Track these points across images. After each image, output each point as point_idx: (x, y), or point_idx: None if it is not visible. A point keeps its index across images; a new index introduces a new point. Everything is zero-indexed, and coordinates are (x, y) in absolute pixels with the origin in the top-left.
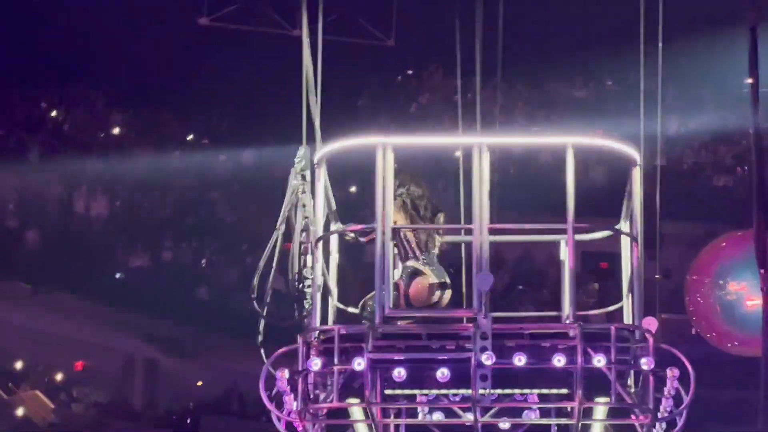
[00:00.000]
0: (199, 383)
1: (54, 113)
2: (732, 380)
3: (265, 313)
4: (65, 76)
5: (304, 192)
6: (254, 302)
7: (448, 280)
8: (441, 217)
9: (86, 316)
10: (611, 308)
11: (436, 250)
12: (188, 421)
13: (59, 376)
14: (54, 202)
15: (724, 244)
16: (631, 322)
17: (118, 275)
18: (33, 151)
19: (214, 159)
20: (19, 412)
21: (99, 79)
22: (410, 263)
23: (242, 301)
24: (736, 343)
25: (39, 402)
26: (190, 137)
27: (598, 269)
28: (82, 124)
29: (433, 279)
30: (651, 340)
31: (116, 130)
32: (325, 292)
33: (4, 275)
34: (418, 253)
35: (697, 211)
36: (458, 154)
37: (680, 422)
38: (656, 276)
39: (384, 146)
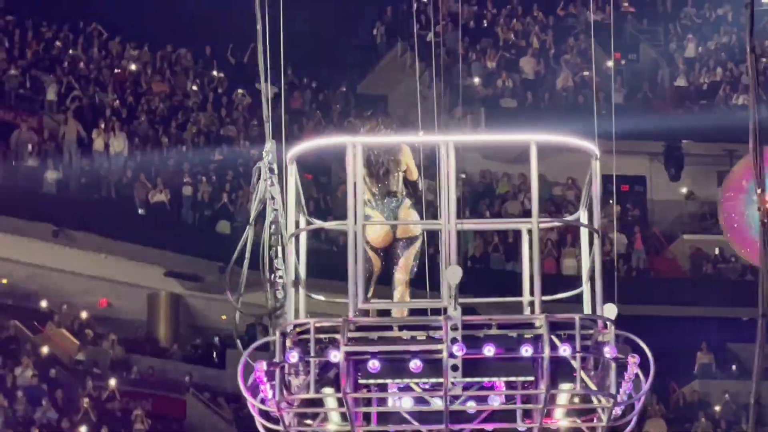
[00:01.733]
0: (224, 317)
1: (70, 51)
2: None
3: (240, 306)
4: (80, 16)
5: (272, 185)
6: (228, 294)
7: (395, 215)
8: (406, 149)
9: (109, 253)
10: (572, 293)
11: (394, 187)
12: (213, 355)
13: (84, 314)
14: (72, 141)
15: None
16: (592, 311)
17: (140, 211)
18: (50, 90)
19: (232, 93)
20: (45, 350)
21: (113, 17)
22: (366, 210)
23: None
24: None
25: (64, 340)
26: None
27: (618, 191)
28: (98, 61)
29: (379, 219)
30: (612, 328)
31: (132, 67)
32: (297, 285)
33: (27, 216)
34: (371, 198)
35: (717, 130)
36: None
37: (638, 406)
38: (685, 193)
39: (354, 145)
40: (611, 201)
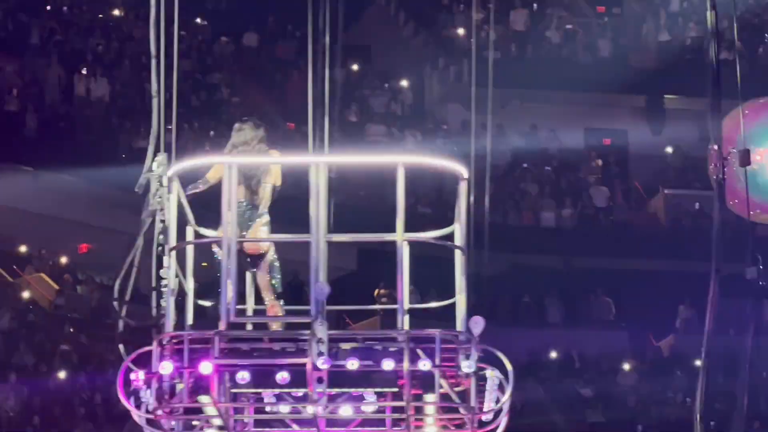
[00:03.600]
0: (204, 264)
1: None
2: None
3: (124, 313)
4: None
5: (160, 197)
6: (114, 303)
7: (246, 231)
8: (274, 154)
9: (91, 198)
10: (442, 303)
11: (260, 199)
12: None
13: (64, 259)
14: (55, 85)
15: (746, 111)
16: (458, 326)
17: (123, 156)
18: (33, 34)
19: (216, 40)
20: (25, 294)
21: None
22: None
23: None
24: (758, 211)
25: (44, 284)
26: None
27: (600, 146)
28: (82, 5)
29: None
30: (474, 343)
31: (116, 12)
32: (182, 295)
33: (7, 159)
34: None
35: (700, 85)
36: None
37: (502, 416)
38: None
39: (230, 166)
40: (592, 153)
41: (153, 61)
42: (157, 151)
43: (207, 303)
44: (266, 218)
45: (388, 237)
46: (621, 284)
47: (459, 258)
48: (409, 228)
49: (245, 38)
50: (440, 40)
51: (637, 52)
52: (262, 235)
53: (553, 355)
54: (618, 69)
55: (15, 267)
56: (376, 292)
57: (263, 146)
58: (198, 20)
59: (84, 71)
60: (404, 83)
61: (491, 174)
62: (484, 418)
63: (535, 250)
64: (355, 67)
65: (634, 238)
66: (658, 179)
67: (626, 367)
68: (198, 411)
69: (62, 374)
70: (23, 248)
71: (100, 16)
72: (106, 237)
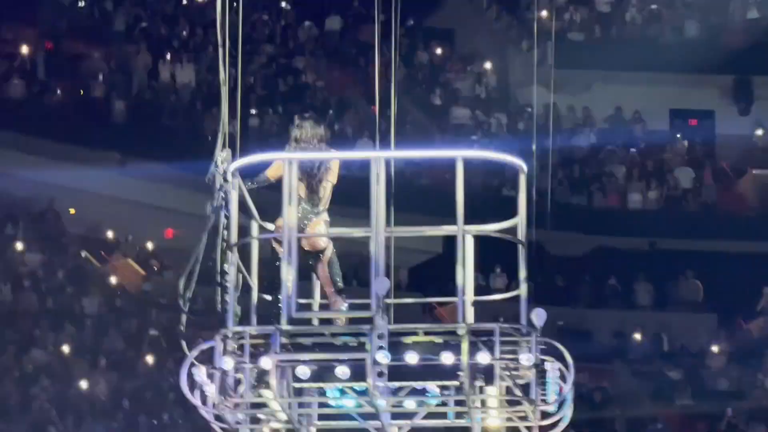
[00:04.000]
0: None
1: None
2: None
3: (187, 309)
4: None
5: (226, 193)
6: (180, 301)
7: (307, 224)
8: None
9: (176, 184)
10: (506, 295)
11: (320, 196)
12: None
13: (150, 245)
14: (140, 72)
15: None
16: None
17: (209, 141)
18: (118, 21)
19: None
20: (112, 280)
21: None
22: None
23: None
24: None
25: (131, 270)
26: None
27: (687, 127)
28: None
29: (292, 219)
30: (534, 336)
31: None
32: (247, 289)
33: (94, 146)
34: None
35: None
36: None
37: (565, 407)
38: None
39: (290, 162)
40: (678, 135)
41: (220, 51)
42: (224, 145)
43: (271, 297)
44: (325, 216)
45: (448, 230)
46: (708, 266)
47: (521, 251)
48: (492, 211)
49: (328, 22)
50: (524, 22)
51: (724, 32)
52: (321, 230)
53: (640, 337)
54: (704, 49)
55: (102, 253)
56: None
57: (323, 145)
58: (283, 4)
59: (169, 57)
60: (488, 66)
61: (576, 156)
62: (547, 409)
63: (621, 233)
64: (438, 50)
65: (722, 219)
66: (746, 160)
67: (715, 349)
68: (262, 405)
69: (151, 359)
70: (110, 234)
71: (185, 2)
72: (192, 222)
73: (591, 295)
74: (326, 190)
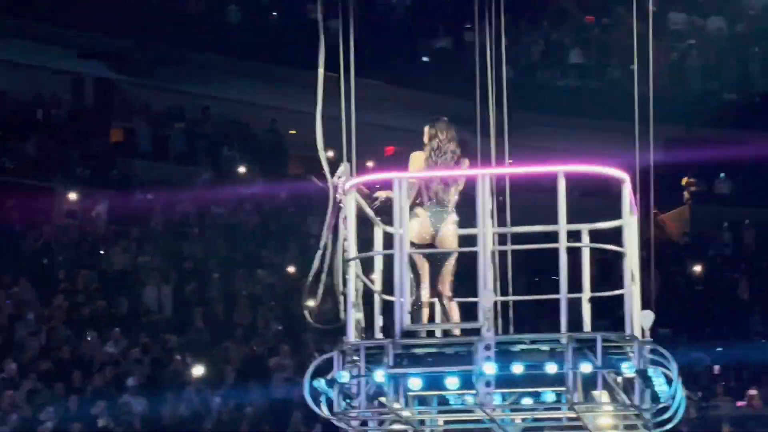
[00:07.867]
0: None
1: None
2: None
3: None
4: None
5: (344, 207)
6: (305, 310)
7: (440, 225)
8: (466, 162)
9: (394, 101)
10: (614, 293)
11: (450, 198)
12: None
13: (370, 163)
14: None
15: None
16: (627, 328)
17: (424, 59)
18: None
19: None
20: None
21: None
22: (416, 209)
23: (547, 78)
24: None
25: None
26: None
27: None
28: None
29: (425, 221)
30: (637, 342)
31: None
32: (366, 302)
33: (311, 65)
34: (426, 200)
35: None
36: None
37: (677, 415)
38: None
39: (399, 180)
40: None
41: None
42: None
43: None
44: (455, 217)
45: (549, 246)
46: None
47: (626, 261)
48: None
49: None
50: None
51: None
52: (452, 232)
53: None
54: None
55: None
56: (684, 180)
57: (454, 145)
58: None
59: None
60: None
61: None
62: (655, 418)
63: None
64: None
65: None
66: None
67: None
68: (383, 412)
69: None
70: (330, 153)
71: None
72: (410, 139)
73: None
74: (453, 194)
